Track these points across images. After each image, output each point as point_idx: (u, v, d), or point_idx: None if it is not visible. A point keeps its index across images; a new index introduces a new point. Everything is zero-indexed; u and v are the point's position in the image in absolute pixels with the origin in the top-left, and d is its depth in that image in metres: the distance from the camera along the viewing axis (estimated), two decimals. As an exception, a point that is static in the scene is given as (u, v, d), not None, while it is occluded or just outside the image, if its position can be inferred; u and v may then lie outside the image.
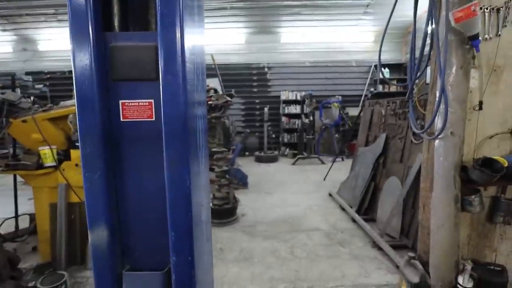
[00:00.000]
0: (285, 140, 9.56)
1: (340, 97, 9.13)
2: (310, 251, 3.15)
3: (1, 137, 3.12)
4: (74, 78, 0.96)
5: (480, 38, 1.89)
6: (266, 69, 9.73)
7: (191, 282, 0.96)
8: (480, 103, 2.11)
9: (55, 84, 9.25)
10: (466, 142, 2.11)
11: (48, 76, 9.35)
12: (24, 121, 2.92)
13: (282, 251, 3.15)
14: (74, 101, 3.08)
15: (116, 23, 1.08)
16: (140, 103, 1.03)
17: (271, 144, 9.33)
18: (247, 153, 9.14)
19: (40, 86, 8.48)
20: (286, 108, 9.46)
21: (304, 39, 9.36)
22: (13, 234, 3.29)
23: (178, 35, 0.98)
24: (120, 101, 1.02)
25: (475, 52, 1.97)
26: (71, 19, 0.94)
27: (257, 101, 9.76)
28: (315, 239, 3.44)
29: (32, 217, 3.27)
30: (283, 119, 9.50)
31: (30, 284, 2.43)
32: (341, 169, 6.22)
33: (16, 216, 3.34)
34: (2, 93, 3.22)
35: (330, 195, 5.03)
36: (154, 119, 1.01)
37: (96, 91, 0.95)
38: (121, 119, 1.02)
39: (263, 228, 3.79)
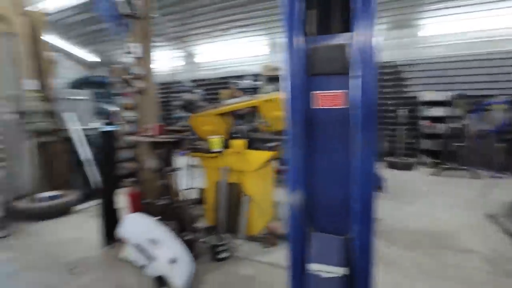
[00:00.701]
0: (424, 146, 8.33)
1: (509, 97, 7.19)
2: (465, 275, 2.69)
3: (186, 128, 4.08)
4: (287, 74, 1.21)
5: None
6: (401, 67, 8.77)
7: (371, 249, 1.07)
8: None
9: (207, 89, 11.37)
10: None
11: (204, 82, 11.58)
12: (201, 116, 3.77)
13: (428, 266, 2.83)
14: (234, 100, 3.67)
15: (312, 29, 1.30)
16: (332, 93, 1.20)
17: (406, 150, 8.35)
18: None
19: (199, 90, 10.62)
20: (427, 110, 8.24)
21: (452, 30, 7.84)
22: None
23: (370, 34, 1.09)
24: (316, 92, 1.23)
25: None
26: (287, 28, 1.21)
27: (389, 102, 8.93)
28: (471, 261, 2.91)
29: (200, 191, 4.18)
30: (423, 122, 8.31)
31: (201, 240, 3.15)
32: (504, 188, 4.95)
33: (189, 189, 4.35)
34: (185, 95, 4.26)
35: (489, 216, 4.09)
36: (345, 106, 1.17)
37: (301, 84, 1.19)
38: (316, 107, 1.23)
39: (402, 236, 3.50)
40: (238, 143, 3.44)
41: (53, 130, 4.76)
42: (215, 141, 3.49)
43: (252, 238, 3.36)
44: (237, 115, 3.83)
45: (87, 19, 9.96)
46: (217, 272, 2.78)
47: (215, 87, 11.06)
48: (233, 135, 3.69)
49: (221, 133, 3.67)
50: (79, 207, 4.56)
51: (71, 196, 4.47)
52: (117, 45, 11.56)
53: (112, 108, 6.41)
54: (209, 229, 3.32)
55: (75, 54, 11.96)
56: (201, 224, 3.53)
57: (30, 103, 4.55)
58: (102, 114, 6.33)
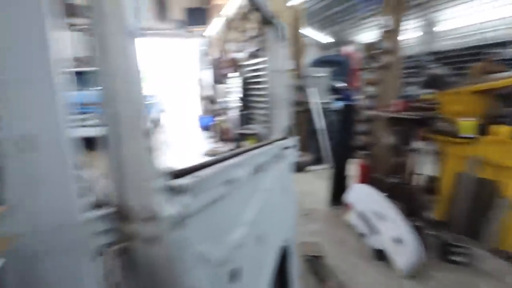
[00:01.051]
0: None
1: None
2: None
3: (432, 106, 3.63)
4: None
5: None
6: None
7: None
8: None
9: (448, 63, 9.41)
10: None
11: (444, 55, 9.70)
12: (451, 93, 3.23)
13: None
14: (507, 73, 2.78)
15: None
16: None
17: None
18: None
19: (434, 65, 9.05)
20: None
21: None
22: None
23: None
24: None
25: None
26: None
27: None
28: None
29: (431, 178, 3.72)
30: None
31: (430, 232, 2.85)
32: None
33: (420, 174, 3.98)
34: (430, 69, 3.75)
35: None
36: None
37: None
38: None
39: None
40: (504, 130, 2.69)
41: (300, 101, 5.87)
42: (468, 125, 2.92)
43: (501, 254, 2.63)
44: (502, 95, 2.96)
45: (328, 4, 10.96)
46: (448, 275, 2.45)
47: (460, 60, 8.95)
48: (495, 120, 2.91)
49: (476, 116, 3.00)
50: (311, 167, 5.50)
51: (306, 157, 5.47)
52: (353, 24, 11.97)
53: (340, 84, 6.89)
54: (439, 224, 2.94)
55: (313, 37, 13.69)
56: (430, 215, 3.18)
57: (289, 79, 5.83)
58: (333, 90, 6.97)
